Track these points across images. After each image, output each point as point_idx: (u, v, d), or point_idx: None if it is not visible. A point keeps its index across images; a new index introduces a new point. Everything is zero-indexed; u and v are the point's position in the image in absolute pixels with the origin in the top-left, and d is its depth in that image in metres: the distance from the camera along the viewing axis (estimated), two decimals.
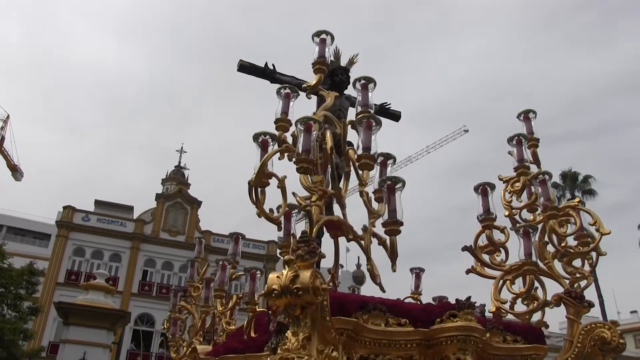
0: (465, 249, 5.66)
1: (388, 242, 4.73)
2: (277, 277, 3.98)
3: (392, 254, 4.55)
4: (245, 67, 7.24)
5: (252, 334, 6.33)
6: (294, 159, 4.76)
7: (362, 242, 4.92)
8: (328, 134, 4.74)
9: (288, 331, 4.00)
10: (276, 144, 5.04)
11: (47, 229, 40.66)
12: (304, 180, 4.46)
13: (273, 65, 7.21)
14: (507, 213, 5.93)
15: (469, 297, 4.88)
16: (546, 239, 5.75)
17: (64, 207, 36.56)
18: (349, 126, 5.20)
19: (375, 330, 4.70)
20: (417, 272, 7.78)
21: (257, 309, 6.22)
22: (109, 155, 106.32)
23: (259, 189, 4.72)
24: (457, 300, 4.83)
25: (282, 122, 5.16)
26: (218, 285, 6.61)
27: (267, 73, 7.13)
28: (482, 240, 5.81)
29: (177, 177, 40.36)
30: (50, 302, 30.42)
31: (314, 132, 4.68)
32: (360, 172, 4.65)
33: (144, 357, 34.52)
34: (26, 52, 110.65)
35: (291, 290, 3.88)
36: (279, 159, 5.11)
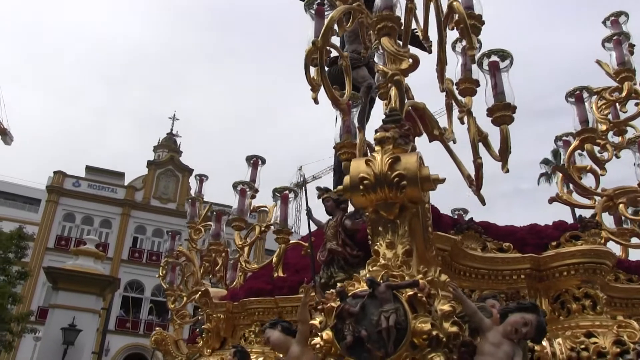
0: (557, 169, 4.31)
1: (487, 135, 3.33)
2: (367, 162, 2.55)
3: (504, 150, 3.14)
4: None
5: (281, 273, 4.94)
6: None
7: (450, 141, 3.52)
8: None
9: (378, 241, 2.58)
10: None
11: (37, 194, 38.45)
12: (388, 44, 3.02)
13: None
14: (604, 128, 4.61)
15: (595, 215, 3.56)
16: None
17: (55, 172, 34.58)
18: None
19: (473, 256, 3.32)
20: (460, 214, 6.53)
21: (291, 240, 4.82)
22: (101, 120, 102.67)
23: (318, 63, 3.27)
24: (579, 217, 3.51)
25: None
26: (237, 213, 5.09)
27: None
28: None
29: (169, 145, 38.41)
30: (40, 267, 28.91)
31: None
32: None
33: (132, 323, 33.08)
34: (16, 15, 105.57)
35: (390, 180, 2.46)
36: (339, 35, 3.67)
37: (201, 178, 7.78)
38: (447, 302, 2.25)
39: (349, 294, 2.20)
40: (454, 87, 3.74)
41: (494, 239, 3.47)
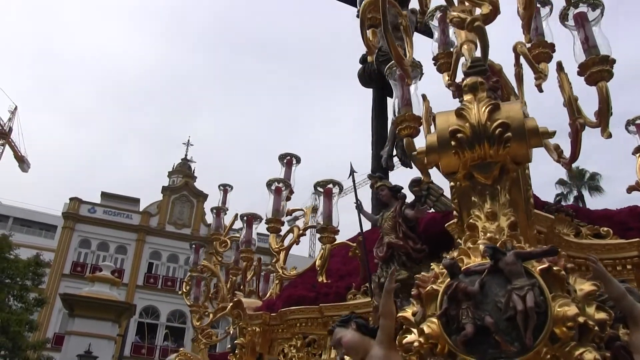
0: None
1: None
2: (460, 112, 2.02)
3: (604, 112, 2.60)
4: None
5: (324, 279, 4.37)
6: None
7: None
8: None
9: (473, 214, 2.03)
10: None
11: (53, 220, 38.35)
12: None
13: None
14: None
15: None
16: None
17: (70, 199, 34.54)
18: None
19: (569, 243, 2.73)
20: None
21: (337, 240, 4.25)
22: (115, 146, 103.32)
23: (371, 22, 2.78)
24: None
25: None
26: (273, 214, 4.52)
27: None
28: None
29: (184, 170, 38.22)
30: (56, 293, 28.63)
31: None
32: None
33: (148, 349, 32.41)
34: (31, 41, 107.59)
35: (491, 132, 1.92)
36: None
37: (225, 188, 7.23)
38: (586, 281, 1.69)
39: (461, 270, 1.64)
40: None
41: (590, 222, 2.91)
